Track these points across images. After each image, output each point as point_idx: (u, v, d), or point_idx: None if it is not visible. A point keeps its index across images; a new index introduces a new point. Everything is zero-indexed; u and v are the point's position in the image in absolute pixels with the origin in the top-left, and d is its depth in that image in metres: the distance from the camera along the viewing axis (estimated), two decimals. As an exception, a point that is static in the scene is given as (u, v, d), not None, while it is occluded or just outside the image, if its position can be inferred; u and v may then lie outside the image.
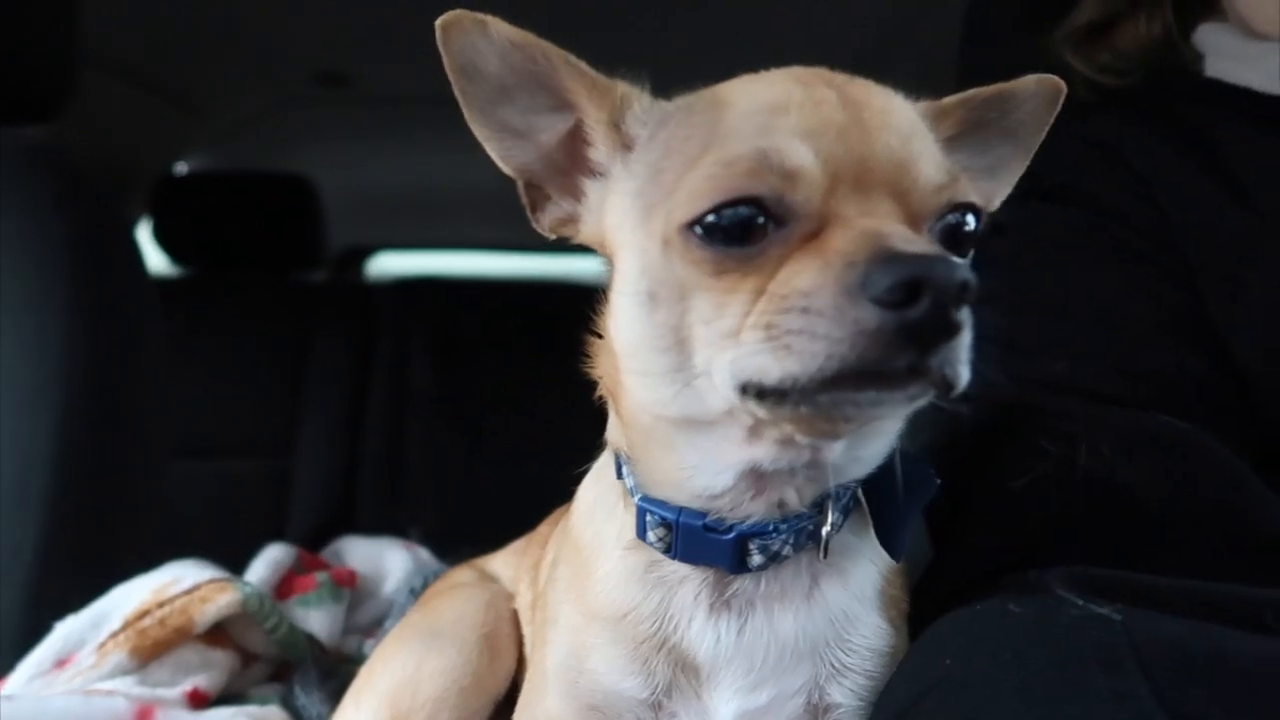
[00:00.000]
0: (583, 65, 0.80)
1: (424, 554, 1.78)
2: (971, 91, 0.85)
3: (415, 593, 1.52)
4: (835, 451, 0.76)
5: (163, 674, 1.27)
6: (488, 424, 3.04)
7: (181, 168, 3.63)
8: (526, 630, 1.12)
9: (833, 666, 0.84)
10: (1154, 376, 1.06)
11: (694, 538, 0.81)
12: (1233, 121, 1.16)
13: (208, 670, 1.31)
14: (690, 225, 0.69)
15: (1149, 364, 1.07)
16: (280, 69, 3.06)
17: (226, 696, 1.33)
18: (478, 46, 0.78)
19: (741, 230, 0.68)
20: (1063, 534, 0.85)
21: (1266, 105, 1.16)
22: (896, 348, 0.61)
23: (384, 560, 1.71)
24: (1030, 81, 0.85)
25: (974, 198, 0.75)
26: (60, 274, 1.60)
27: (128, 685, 1.23)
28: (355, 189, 4.24)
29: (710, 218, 0.68)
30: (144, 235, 3.22)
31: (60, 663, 1.29)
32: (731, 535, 0.80)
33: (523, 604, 1.14)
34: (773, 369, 0.65)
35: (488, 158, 0.84)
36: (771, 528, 0.80)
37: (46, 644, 1.30)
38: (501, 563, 1.28)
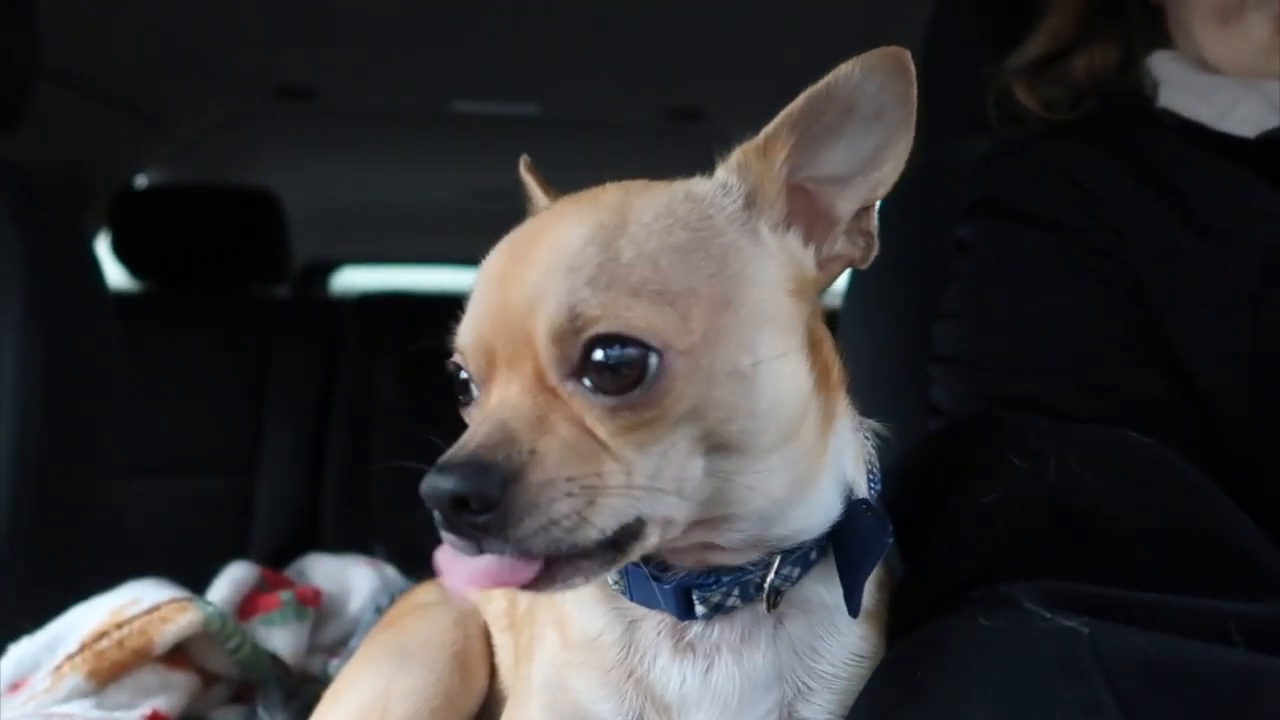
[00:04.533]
0: (536, 191, 0.99)
1: (390, 571, 1.76)
2: (784, 112, 0.81)
3: (381, 611, 1.51)
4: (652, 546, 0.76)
5: (121, 697, 1.25)
6: (453, 440, 3.01)
7: (141, 181, 3.58)
8: (499, 639, 1.11)
9: (798, 688, 0.85)
10: (1113, 394, 1.08)
11: (640, 582, 0.83)
12: (1184, 147, 1.19)
13: (167, 692, 1.28)
14: None
15: (1108, 381, 1.09)
16: (242, 82, 3.04)
17: (187, 719, 1.30)
18: (531, 186, 1.00)
19: (463, 387, 0.86)
20: (1031, 548, 0.86)
21: (1216, 134, 1.18)
22: (460, 538, 0.70)
23: (349, 578, 1.70)
24: (853, 66, 0.79)
25: (617, 328, 0.71)
26: (16, 289, 1.58)
27: (84, 709, 1.20)
28: (319, 203, 4.21)
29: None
30: (102, 249, 3.16)
31: (14, 687, 1.26)
32: (672, 584, 0.82)
33: (495, 611, 1.13)
34: None
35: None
36: (713, 580, 0.81)
37: (-1, 667, 1.27)
38: (468, 579, 1.26)
